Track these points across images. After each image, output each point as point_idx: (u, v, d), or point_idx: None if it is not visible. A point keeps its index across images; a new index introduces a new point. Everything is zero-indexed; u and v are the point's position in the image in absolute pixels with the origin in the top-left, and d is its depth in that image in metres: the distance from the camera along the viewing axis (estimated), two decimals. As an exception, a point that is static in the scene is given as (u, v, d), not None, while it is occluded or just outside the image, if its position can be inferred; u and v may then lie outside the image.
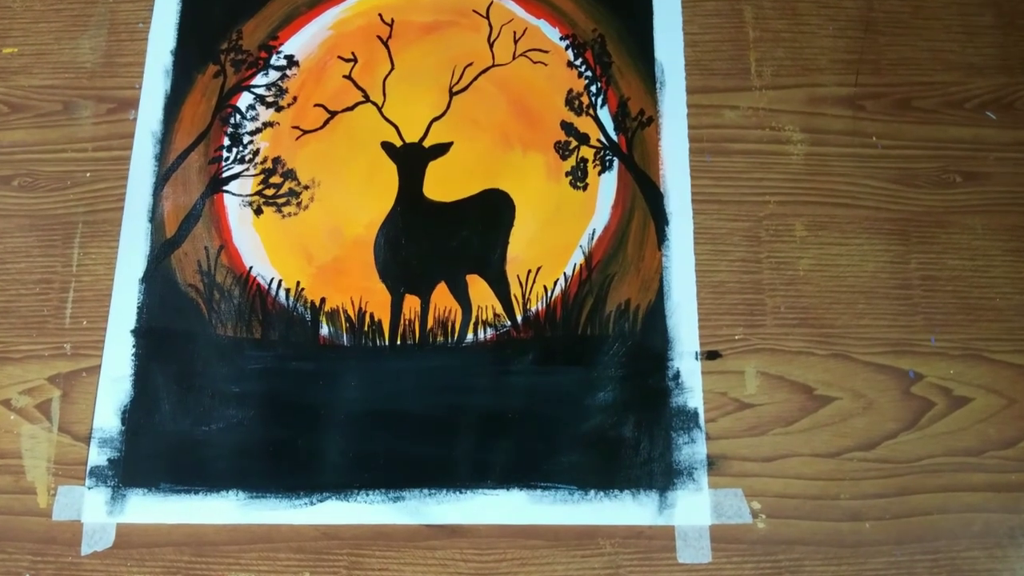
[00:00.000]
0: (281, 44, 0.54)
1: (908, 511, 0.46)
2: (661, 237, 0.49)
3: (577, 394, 0.47)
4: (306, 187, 0.51)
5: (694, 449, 0.46)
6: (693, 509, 0.45)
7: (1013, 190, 0.50)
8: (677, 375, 0.47)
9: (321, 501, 0.46)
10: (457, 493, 0.46)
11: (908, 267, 0.49)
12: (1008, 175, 0.51)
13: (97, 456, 0.47)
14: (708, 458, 0.46)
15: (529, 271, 0.49)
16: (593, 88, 0.52)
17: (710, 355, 0.48)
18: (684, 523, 0.45)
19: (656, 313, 0.48)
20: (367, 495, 0.46)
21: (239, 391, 0.48)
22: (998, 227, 0.50)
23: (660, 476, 0.46)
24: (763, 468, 0.46)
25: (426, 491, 0.46)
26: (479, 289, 0.49)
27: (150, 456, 0.47)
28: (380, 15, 0.55)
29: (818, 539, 0.45)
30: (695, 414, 0.47)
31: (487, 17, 0.54)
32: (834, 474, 0.46)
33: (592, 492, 0.46)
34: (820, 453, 0.46)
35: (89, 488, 0.47)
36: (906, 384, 0.47)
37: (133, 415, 0.47)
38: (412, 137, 0.52)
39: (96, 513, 0.46)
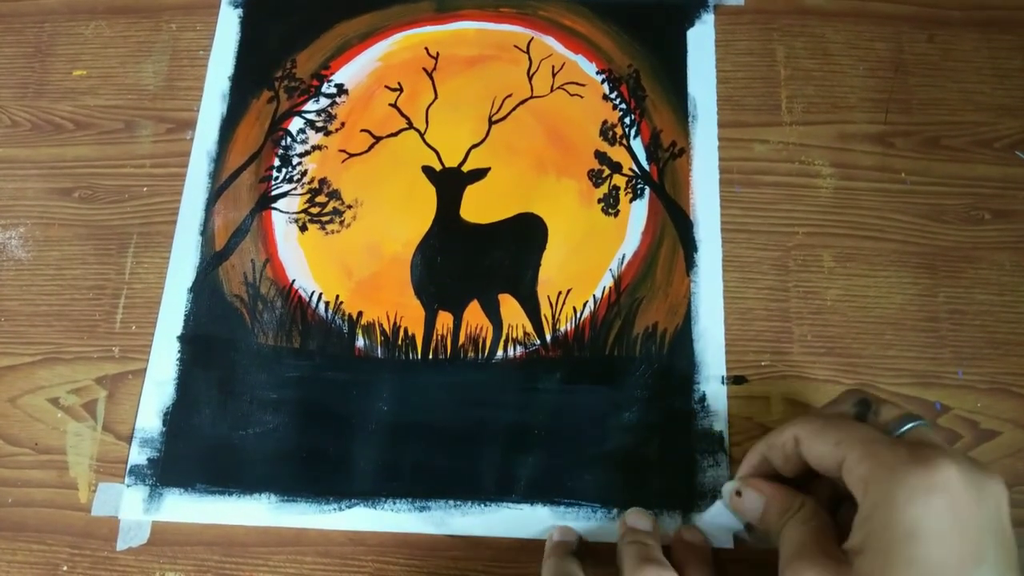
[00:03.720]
0: (332, 73, 0.57)
1: (934, 543, 0.45)
2: (690, 264, 0.51)
3: (603, 413, 0.48)
4: (349, 206, 0.53)
5: (718, 472, 0.47)
6: (716, 532, 0.45)
7: (1043, 228, 0.51)
8: (703, 398, 0.48)
9: (349, 507, 0.47)
10: (481, 506, 0.47)
11: (936, 300, 0.50)
12: (1038, 214, 0.51)
13: (137, 455, 0.49)
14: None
15: (559, 292, 0.51)
16: (627, 120, 0.54)
17: (736, 380, 0.48)
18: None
19: (683, 337, 0.49)
20: (393, 503, 0.47)
21: (276, 398, 0.49)
22: (1027, 264, 0.50)
23: (684, 497, 0.46)
24: (787, 494, 0.46)
25: (451, 502, 0.47)
26: (510, 308, 0.51)
27: (188, 457, 0.48)
28: (426, 48, 0.57)
29: (841, 567, 0.45)
30: (720, 437, 0.47)
31: (527, 52, 0.57)
32: (859, 502, 0.46)
33: (615, 510, 0.46)
34: (845, 481, 0.46)
35: (128, 486, 0.48)
36: (932, 416, 0.47)
37: (174, 417, 0.49)
38: (452, 162, 0.54)
39: (133, 510, 0.48)
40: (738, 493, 0.41)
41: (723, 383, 0.48)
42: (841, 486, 0.36)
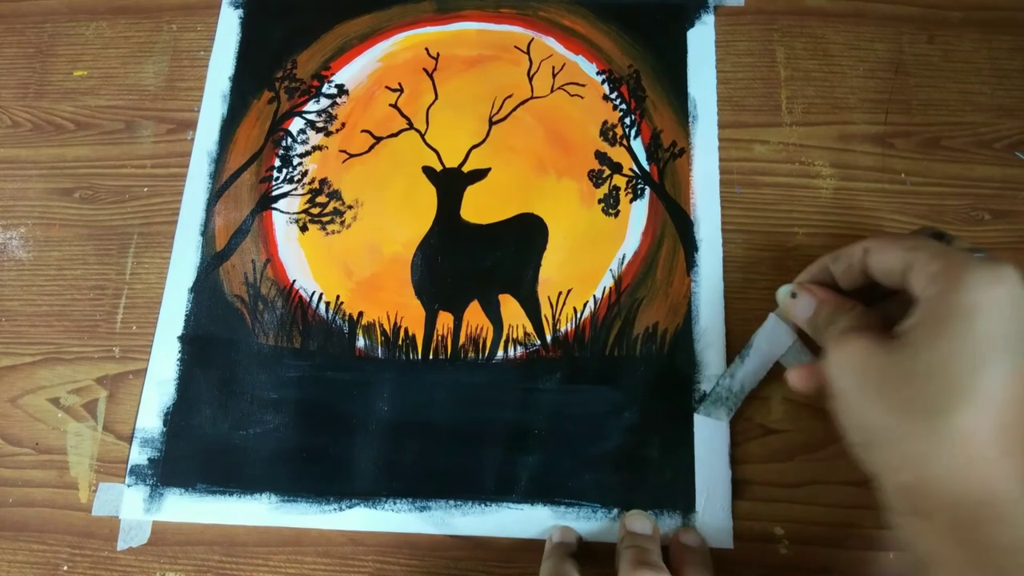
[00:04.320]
0: (332, 74, 0.57)
1: (934, 543, 0.45)
2: (690, 263, 0.51)
3: (603, 413, 0.48)
4: (349, 207, 0.54)
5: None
6: (715, 532, 0.46)
7: (1043, 229, 0.51)
8: (703, 398, 0.48)
9: (350, 507, 0.47)
10: (482, 506, 0.47)
11: (936, 301, 0.49)
12: (1038, 214, 0.51)
13: (138, 455, 0.49)
14: (733, 482, 0.47)
15: (560, 293, 0.51)
16: (627, 120, 0.54)
17: (736, 380, 0.49)
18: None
19: (684, 337, 0.49)
20: (394, 504, 0.47)
21: (276, 398, 0.49)
22: (1027, 265, 0.50)
23: (683, 498, 0.46)
24: (788, 494, 0.46)
25: (451, 502, 0.47)
26: (511, 308, 0.51)
27: (188, 457, 0.49)
28: (427, 49, 0.57)
29: (840, 566, 0.45)
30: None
31: (527, 52, 0.57)
32: (859, 502, 0.46)
33: (616, 511, 0.46)
34: (845, 481, 0.46)
35: (128, 486, 0.48)
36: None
37: (174, 417, 0.49)
38: (452, 162, 0.54)
39: (134, 510, 0.48)
40: (793, 295, 0.43)
41: (723, 383, 0.48)
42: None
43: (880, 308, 0.41)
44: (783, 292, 0.44)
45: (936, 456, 0.33)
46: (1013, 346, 0.33)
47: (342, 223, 0.53)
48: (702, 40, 0.56)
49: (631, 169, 0.53)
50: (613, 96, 0.55)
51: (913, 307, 0.36)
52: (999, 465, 0.32)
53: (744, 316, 0.50)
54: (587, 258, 0.51)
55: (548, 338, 0.50)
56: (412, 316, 0.51)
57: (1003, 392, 0.33)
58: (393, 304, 0.51)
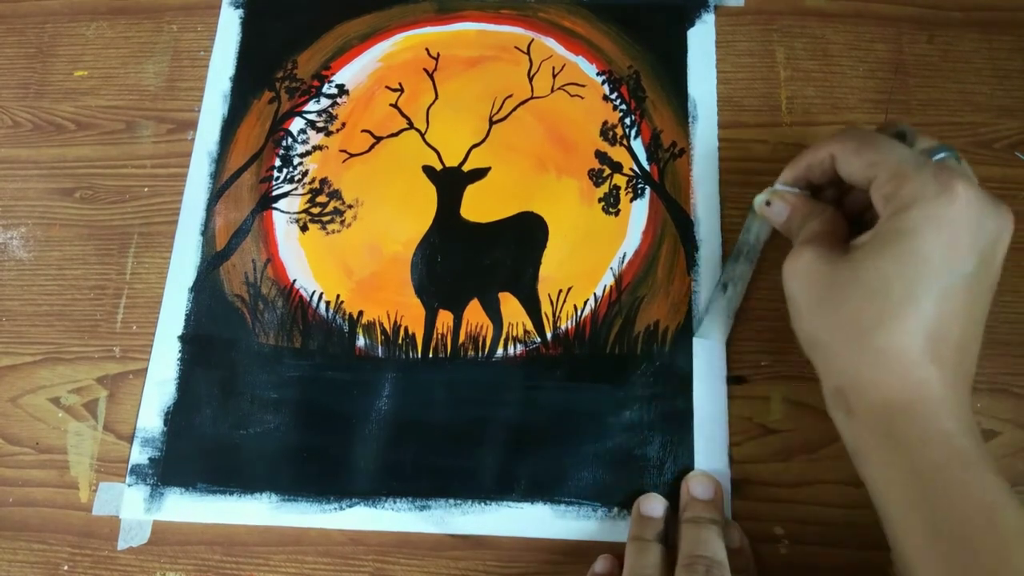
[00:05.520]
0: (333, 74, 0.57)
1: (934, 542, 0.45)
2: (691, 262, 0.51)
3: (604, 412, 0.48)
4: (350, 206, 0.54)
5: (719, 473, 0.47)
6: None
7: (1042, 228, 0.51)
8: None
9: (350, 507, 0.47)
10: (482, 505, 0.47)
11: (936, 300, 0.50)
12: (1037, 214, 0.51)
13: (138, 455, 0.49)
14: (732, 482, 0.47)
15: (560, 291, 0.51)
16: (627, 120, 0.54)
17: (736, 380, 0.48)
18: (707, 544, 0.45)
19: (685, 335, 0.49)
20: (394, 503, 0.47)
21: (277, 397, 0.49)
22: (1027, 264, 0.50)
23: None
24: (787, 494, 0.46)
25: (452, 501, 0.47)
26: (511, 306, 0.51)
27: (189, 457, 0.49)
28: (427, 49, 0.57)
29: (840, 566, 0.45)
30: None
31: (528, 53, 0.57)
32: (859, 502, 0.46)
33: (616, 509, 0.46)
34: (845, 480, 0.46)
35: (129, 485, 0.48)
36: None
37: (175, 417, 0.49)
38: (452, 162, 0.54)
39: (134, 510, 0.48)
40: (768, 204, 0.46)
41: (724, 383, 0.48)
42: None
43: (855, 203, 0.45)
44: (759, 200, 0.46)
45: (865, 370, 0.37)
46: (951, 266, 0.36)
47: (342, 223, 0.53)
48: (702, 40, 0.56)
49: (631, 169, 0.53)
50: (613, 96, 0.55)
51: (875, 226, 0.39)
52: (926, 371, 0.36)
53: (745, 315, 0.50)
54: (587, 256, 0.51)
55: (548, 336, 0.50)
56: (412, 315, 0.51)
57: (936, 310, 0.36)
58: (393, 303, 0.51)
